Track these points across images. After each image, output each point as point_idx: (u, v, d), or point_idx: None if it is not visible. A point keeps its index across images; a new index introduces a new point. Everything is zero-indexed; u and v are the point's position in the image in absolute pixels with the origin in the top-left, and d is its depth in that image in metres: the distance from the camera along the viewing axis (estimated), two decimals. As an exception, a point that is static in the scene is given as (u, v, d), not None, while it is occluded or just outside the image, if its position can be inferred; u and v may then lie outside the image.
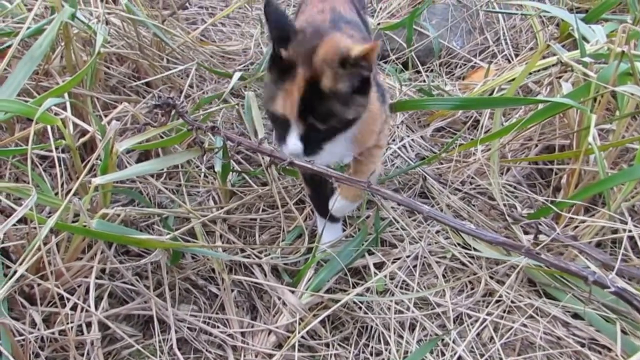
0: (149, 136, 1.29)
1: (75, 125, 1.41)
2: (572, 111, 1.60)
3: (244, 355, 1.23)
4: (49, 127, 1.27)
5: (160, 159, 1.38)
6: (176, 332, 1.24)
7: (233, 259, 1.38)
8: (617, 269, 1.23)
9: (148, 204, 1.40)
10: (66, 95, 1.34)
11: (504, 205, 1.56)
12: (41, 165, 1.54)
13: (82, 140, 1.38)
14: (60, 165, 1.26)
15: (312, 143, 1.13)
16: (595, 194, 1.46)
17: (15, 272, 1.07)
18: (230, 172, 1.57)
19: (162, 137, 1.41)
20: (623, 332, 1.27)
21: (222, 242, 1.43)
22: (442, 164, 1.77)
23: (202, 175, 1.63)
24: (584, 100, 1.47)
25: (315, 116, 1.09)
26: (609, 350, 1.28)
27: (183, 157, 1.32)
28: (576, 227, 1.48)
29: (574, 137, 1.59)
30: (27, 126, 1.46)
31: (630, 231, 1.26)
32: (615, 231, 1.43)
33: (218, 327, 1.28)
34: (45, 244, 1.09)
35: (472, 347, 1.28)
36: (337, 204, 1.35)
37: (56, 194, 1.24)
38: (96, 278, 1.21)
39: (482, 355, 1.26)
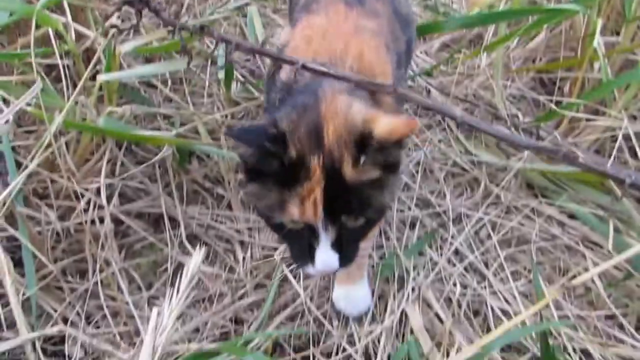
0: (152, 38, 1.30)
1: (77, 37, 1.42)
2: (579, 21, 1.59)
3: (251, 249, 1.28)
4: (51, 35, 1.28)
5: (164, 62, 1.40)
6: (186, 228, 1.30)
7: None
8: (609, 167, 1.26)
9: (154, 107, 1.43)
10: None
11: (507, 115, 1.57)
12: (47, 76, 1.56)
13: (84, 45, 1.39)
14: (64, 71, 1.27)
15: (347, 249, 0.86)
16: (598, 99, 1.46)
17: (26, 166, 1.12)
18: (234, 83, 1.59)
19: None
20: (616, 230, 1.31)
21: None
22: (446, 76, 1.77)
23: (207, 85, 1.64)
24: (590, 5, 1.45)
25: (349, 212, 0.82)
26: (601, 247, 1.33)
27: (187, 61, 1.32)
28: (577, 135, 1.51)
29: (579, 47, 1.58)
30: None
31: (626, 128, 1.28)
32: (615, 137, 1.45)
33: (226, 223, 1.33)
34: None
35: (470, 243, 1.33)
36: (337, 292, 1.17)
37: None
38: (106, 178, 1.25)
39: (478, 249, 1.31)
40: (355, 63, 0.97)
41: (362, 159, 0.80)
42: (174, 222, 1.31)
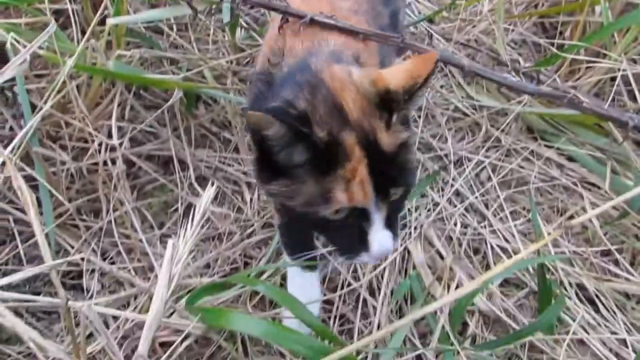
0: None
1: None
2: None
3: (257, 190, 1.32)
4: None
5: (170, 7, 1.41)
6: (194, 170, 1.33)
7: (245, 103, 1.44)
8: (612, 110, 1.29)
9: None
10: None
11: (509, 60, 1.59)
12: (56, 22, 1.57)
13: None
14: (73, 16, 1.29)
15: (395, 222, 0.82)
16: (598, 42, 1.48)
17: (40, 108, 1.14)
18: (239, 29, 1.60)
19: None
20: (613, 172, 1.36)
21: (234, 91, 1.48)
22: (448, 23, 1.78)
23: (212, 32, 1.65)
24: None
25: (395, 183, 0.78)
26: (599, 188, 1.37)
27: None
28: (577, 79, 1.53)
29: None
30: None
31: (624, 70, 1.30)
32: (614, 80, 1.47)
33: (233, 165, 1.37)
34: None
35: (471, 185, 1.37)
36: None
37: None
38: (116, 121, 1.28)
39: (478, 190, 1.35)
40: (338, 41, 0.93)
41: (394, 118, 0.77)
42: (183, 164, 1.35)
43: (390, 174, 0.77)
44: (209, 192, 1.06)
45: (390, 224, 0.80)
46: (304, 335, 0.97)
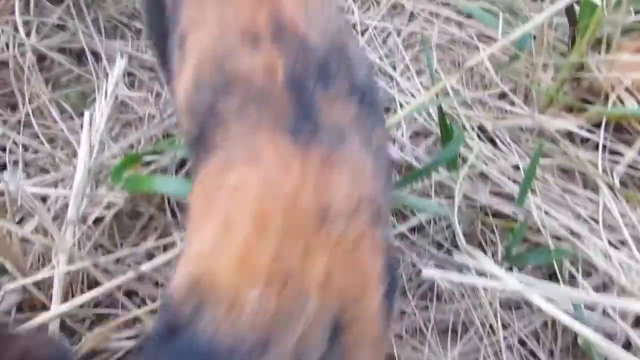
0: None
1: None
2: None
3: (174, 72, 1.36)
4: None
5: None
6: (108, 59, 1.35)
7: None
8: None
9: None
10: None
11: None
12: None
13: None
14: None
15: None
16: None
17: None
18: None
19: None
20: (507, 23, 1.45)
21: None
22: None
23: None
24: None
25: None
26: (495, 40, 1.47)
27: None
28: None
29: None
30: None
31: None
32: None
33: (147, 52, 1.39)
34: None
35: (380, 55, 1.44)
36: None
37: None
38: (22, 15, 1.28)
39: (386, 55, 1.43)
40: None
41: None
42: (96, 55, 1.36)
43: None
44: (120, 63, 1.10)
45: None
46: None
